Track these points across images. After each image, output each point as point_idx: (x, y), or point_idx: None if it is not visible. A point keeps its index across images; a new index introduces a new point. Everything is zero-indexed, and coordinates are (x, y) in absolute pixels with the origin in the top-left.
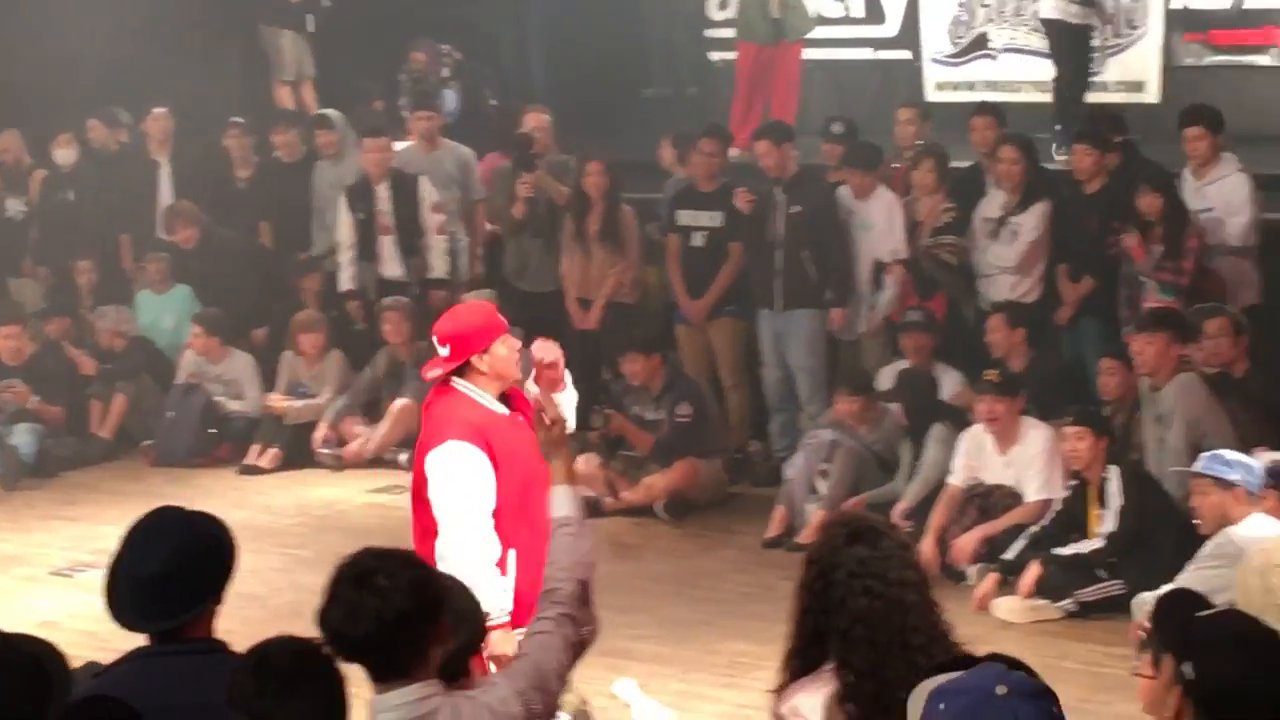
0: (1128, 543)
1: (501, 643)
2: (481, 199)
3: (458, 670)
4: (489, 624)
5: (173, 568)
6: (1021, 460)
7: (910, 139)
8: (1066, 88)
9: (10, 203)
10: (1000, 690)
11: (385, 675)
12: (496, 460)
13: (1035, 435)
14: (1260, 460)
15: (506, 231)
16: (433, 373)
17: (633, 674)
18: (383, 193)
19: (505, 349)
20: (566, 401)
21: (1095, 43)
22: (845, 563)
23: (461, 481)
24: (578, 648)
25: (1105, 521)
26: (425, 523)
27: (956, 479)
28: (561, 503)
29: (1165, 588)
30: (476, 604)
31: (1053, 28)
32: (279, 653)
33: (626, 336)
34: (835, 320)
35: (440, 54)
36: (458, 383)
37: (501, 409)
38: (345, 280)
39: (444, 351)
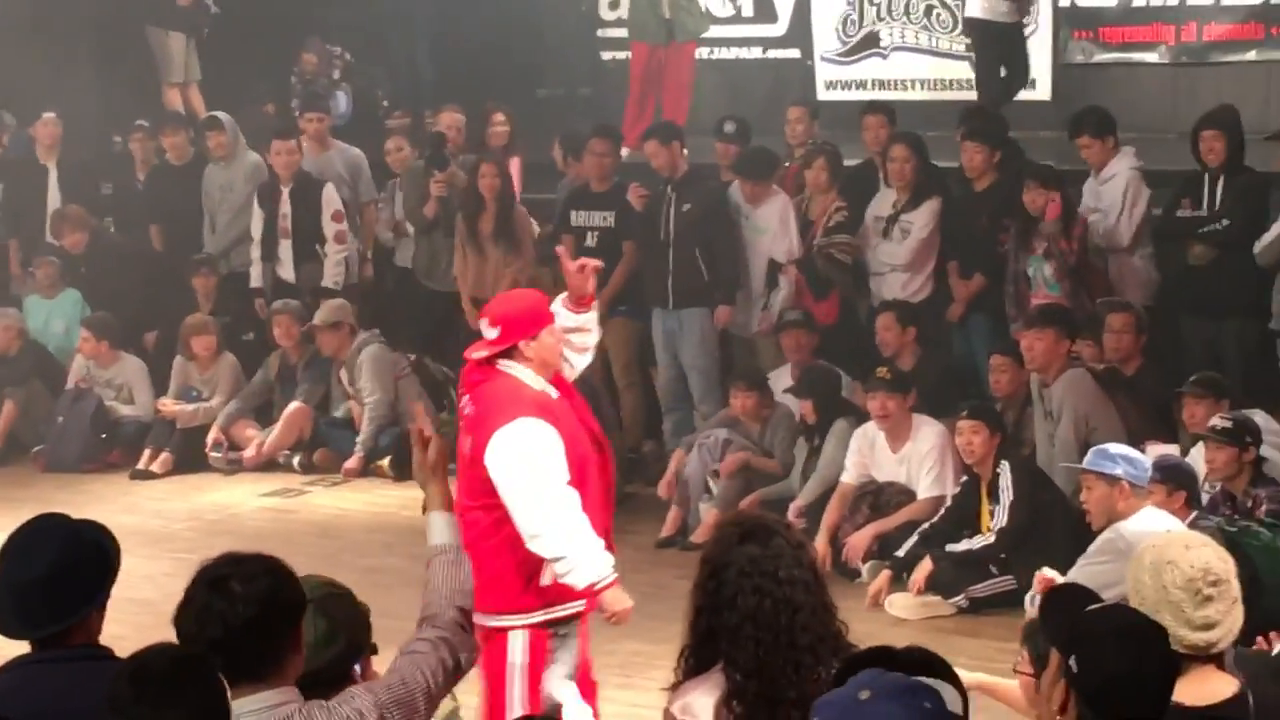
0: (1018, 538)
1: (616, 600)
2: (371, 200)
3: (338, 677)
4: (599, 587)
5: (54, 573)
6: (914, 457)
7: (801, 138)
8: (1005, 86)
9: None
10: (863, 695)
11: (238, 680)
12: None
13: (927, 432)
14: (1150, 454)
15: (418, 230)
16: (478, 353)
17: None
18: (285, 195)
19: (552, 339)
20: (591, 321)
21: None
22: (736, 561)
23: (541, 456)
24: (453, 672)
25: (996, 517)
26: (478, 499)
27: (849, 477)
28: (439, 530)
29: (1055, 581)
30: (356, 612)
31: (976, 27)
32: (158, 659)
33: None
34: (721, 317)
35: (331, 55)
36: (506, 365)
37: (553, 391)
38: (255, 277)
39: (492, 334)
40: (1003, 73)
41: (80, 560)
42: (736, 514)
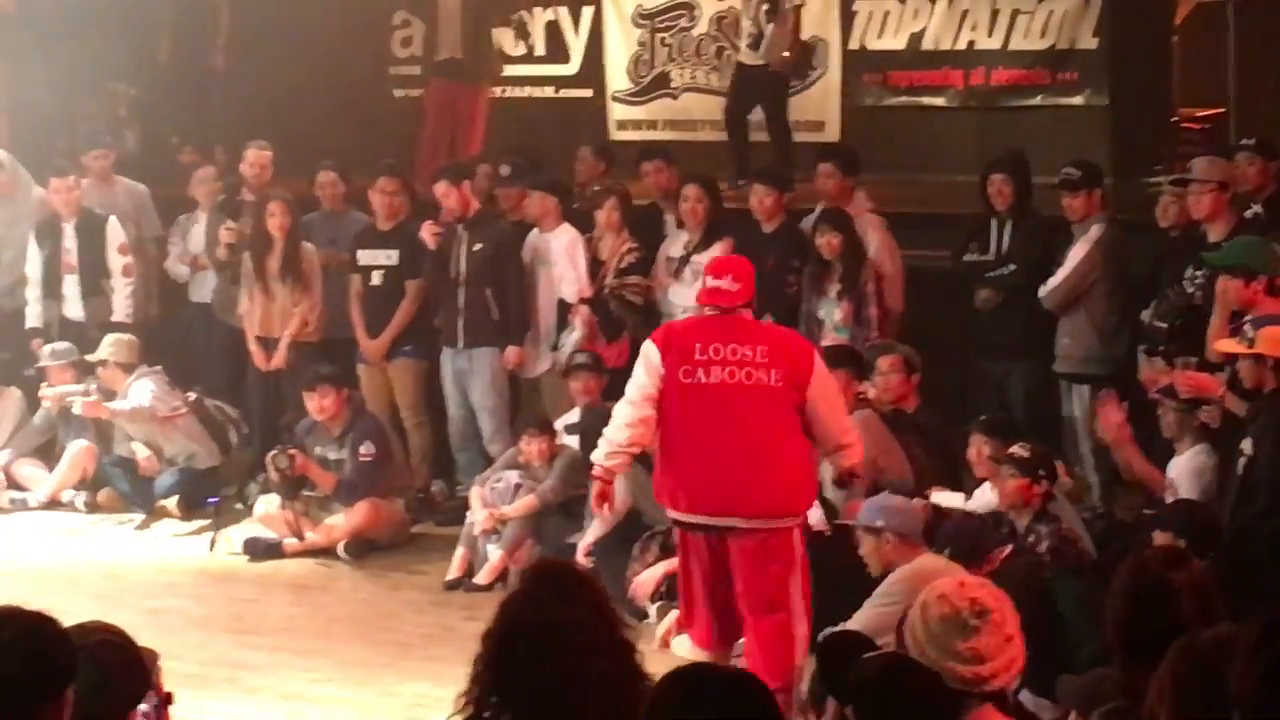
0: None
1: None
2: (155, 236)
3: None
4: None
5: None
6: None
7: (591, 177)
8: (782, 129)
9: None
10: None
11: None
12: None
13: None
14: (938, 499)
15: (214, 268)
16: (720, 305)
17: (310, 718)
18: (70, 231)
19: None
20: None
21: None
22: (523, 606)
23: None
24: None
25: None
26: (788, 417)
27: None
28: None
29: (847, 626)
30: (130, 659)
31: (744, 71)
32: None
33: (314, 373)
34: (511, 359)
35: (118, 93)
36: (746, 313)
37: None
38: (31, 317)
39: (734, 287)
40: None
41: None
42: (541, 560)
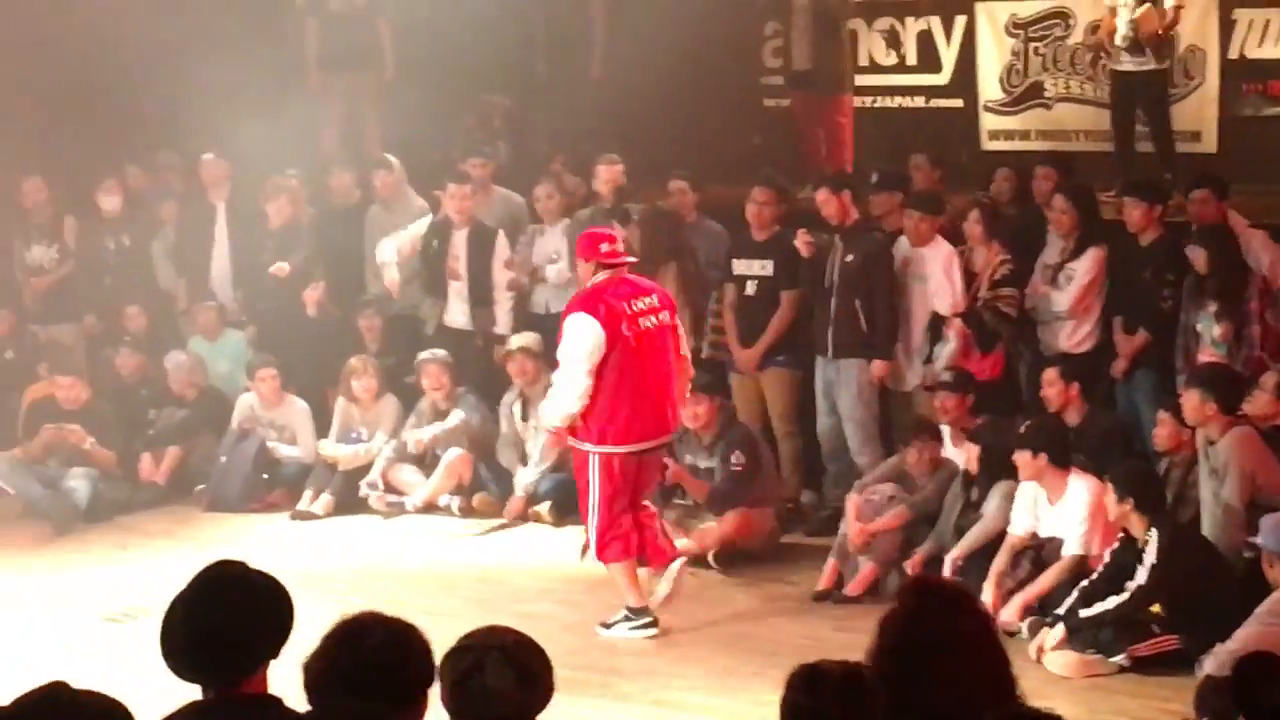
0: (1154, 598)
1: None
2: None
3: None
4: None
5: (234, 625)
6: (1066, 513)
7: (927, 185)
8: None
9: (38, 250)
10: None
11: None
12: None
13: (1078, 487)
14: None
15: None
16: (624, 267)
17: None
18: (460, 239)
19: None
20: None
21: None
22: (907, 624)
23: None
24: None
25: (1137, 576)
26: (678, 347)
27: (1018, 530)
28: None
29: (1228, 645)
30: (545, 660)
31: (1122, 78)
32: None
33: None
34: (876, 372)
35: (493, 104)
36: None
37: None
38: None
39: (626, 249)
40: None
41: (260, 612)
42: (919, 576)
